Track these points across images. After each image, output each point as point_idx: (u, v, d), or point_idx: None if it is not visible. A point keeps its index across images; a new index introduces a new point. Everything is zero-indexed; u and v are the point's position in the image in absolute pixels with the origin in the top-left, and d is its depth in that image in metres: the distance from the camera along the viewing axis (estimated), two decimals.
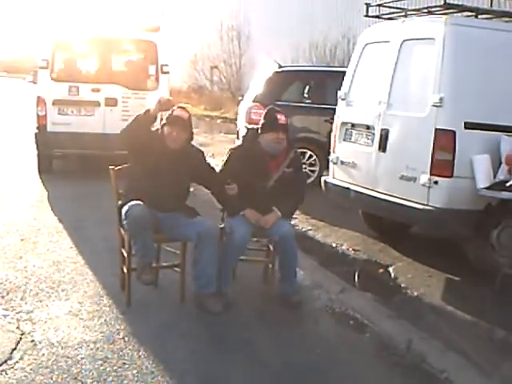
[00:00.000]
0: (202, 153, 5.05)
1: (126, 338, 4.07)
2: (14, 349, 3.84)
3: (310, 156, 9.48)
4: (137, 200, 4.51)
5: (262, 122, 4.96)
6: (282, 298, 4.89)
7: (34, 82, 11.40)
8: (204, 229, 4.58)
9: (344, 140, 6.50)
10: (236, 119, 12.01)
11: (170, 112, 4.70)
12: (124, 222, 4.54)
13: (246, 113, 9.56)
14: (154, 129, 4.79)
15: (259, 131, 4.94)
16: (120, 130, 4.65)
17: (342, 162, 6.44)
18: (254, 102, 9.55)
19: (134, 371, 3.65)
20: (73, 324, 4.26)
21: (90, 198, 8.04)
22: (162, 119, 4.79)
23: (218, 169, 5.08)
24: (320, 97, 9.53)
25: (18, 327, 4.15)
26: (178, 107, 4.81)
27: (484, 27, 5.50)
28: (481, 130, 5.19)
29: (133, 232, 4.50)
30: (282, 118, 4.89)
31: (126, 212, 4.47)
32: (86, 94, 9.62)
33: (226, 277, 4.78)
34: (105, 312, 4.50)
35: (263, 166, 4.89)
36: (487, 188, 5.06)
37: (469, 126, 5.15)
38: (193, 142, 4.91)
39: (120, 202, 4.67)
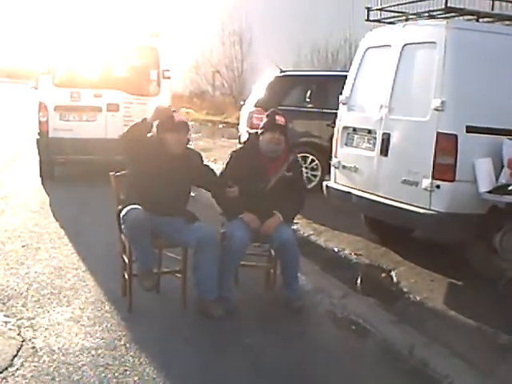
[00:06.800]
0: (200, 155, 5.07)
1: (128, 345, 4.05)
2: (15, 356, 3.82)
3: (312, 160, 9.45)
4: (136, 205, 4.50)
5: (262, 123, 5.00)
6: (285, 304, 4.87)
7: (36, 88, 11.42)
8: (203, 235, 4.58)
9: (346, 144, 6.49)
10: (238, 124, 12.02)
11: (171, 118, 4.70)
12: (122, 227, 4.54)
13: (247, 117, 9.58)
14: (149, 135, 4.82)
15: (259, 134, 4.97)
16: (118, 136, 4.67)
17: (344, 167, 6.42)
18: (255, 106, 9.56)
19: (136, 378, 3.64)
20: (74, 330, 4.25)
21: (92, 204, 8.05)
22: (158, 126, 4.77)
23: (218, 172, 5.09)
24: (322, 101, 9.49)
25: (19, 334, 4.14)
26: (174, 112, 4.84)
27: (485, 31, 5.49)
28: (483, 133, 5.17)
29: (131, 236, 4.50)
30: (280, 119, 4.92)
31: (124, 216, 4.48)
32: (88, 99, 9.63)
33: (227, 283, 4.75)
34: (106, 318, 4.48)
35: (262, 168, 4.90)
36: (489, 192, 5.04)
37: (471, 129, 5.14)
38: (193, 147, 4.92)
39: (119, 207, 4.67)
